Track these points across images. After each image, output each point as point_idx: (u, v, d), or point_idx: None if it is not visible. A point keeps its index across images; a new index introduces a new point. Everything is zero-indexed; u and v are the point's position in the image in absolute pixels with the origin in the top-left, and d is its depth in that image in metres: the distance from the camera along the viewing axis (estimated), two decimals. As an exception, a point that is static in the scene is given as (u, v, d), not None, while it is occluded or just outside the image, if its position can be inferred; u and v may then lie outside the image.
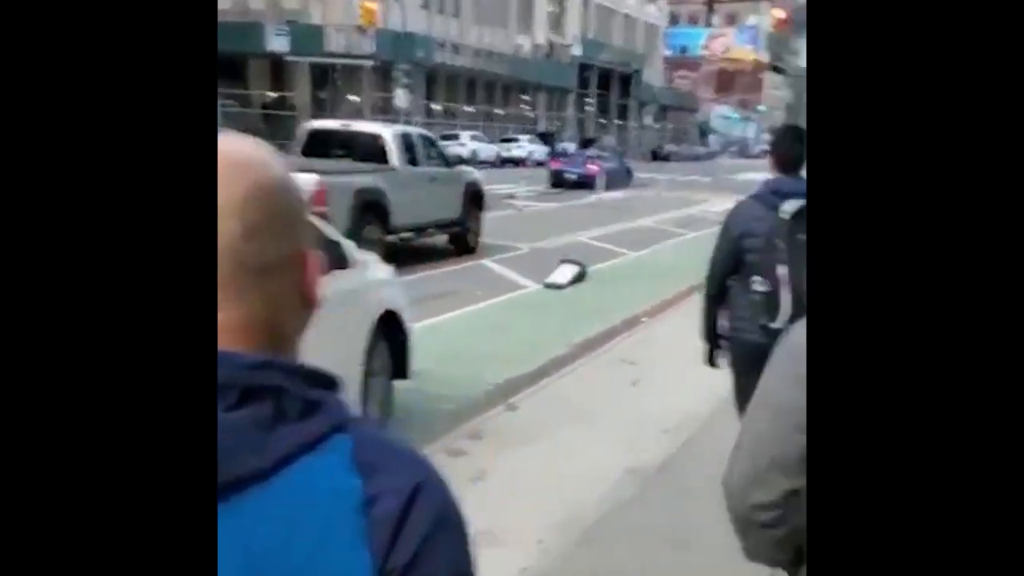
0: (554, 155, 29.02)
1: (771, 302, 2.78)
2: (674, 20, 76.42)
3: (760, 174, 18.17)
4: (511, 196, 17.89)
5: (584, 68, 46.65)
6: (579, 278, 8.48)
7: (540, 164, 36.73)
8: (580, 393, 4.89)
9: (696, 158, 53.24)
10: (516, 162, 35.73)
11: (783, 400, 1.04)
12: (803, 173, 2.96)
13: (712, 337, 3.13)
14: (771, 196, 2.88)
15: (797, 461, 1.02)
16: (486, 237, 11.36)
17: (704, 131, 70.80)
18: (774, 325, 2.77)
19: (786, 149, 2.99)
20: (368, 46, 30.64)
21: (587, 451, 3.92)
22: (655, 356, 5.57)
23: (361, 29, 27.74)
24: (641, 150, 52.28)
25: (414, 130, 10.67)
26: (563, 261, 8.71)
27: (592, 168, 23.43)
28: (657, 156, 50.51)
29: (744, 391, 3.10)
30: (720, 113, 75.84)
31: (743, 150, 69.43)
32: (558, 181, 23.03)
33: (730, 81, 76.50)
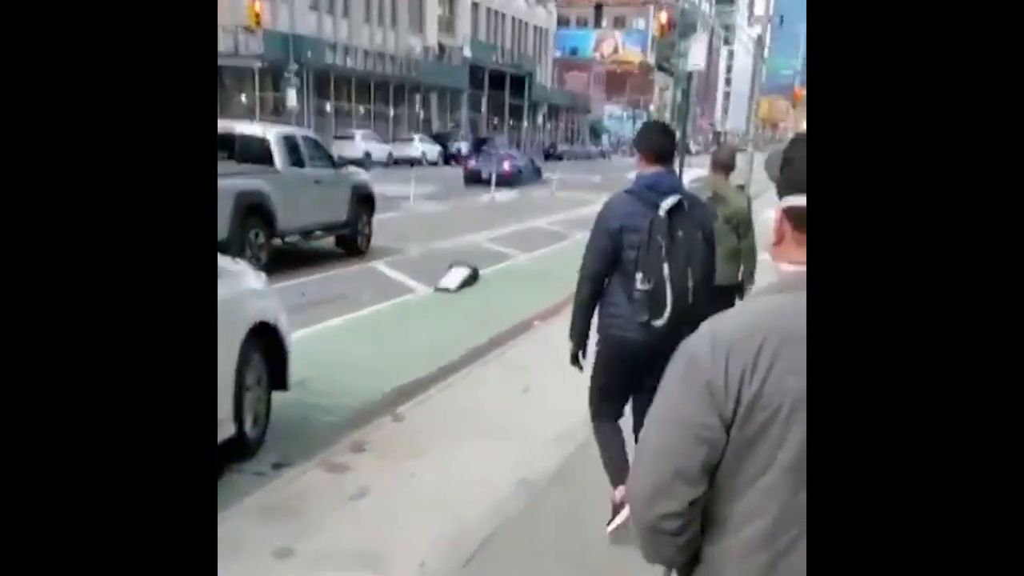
0: (470, 154, 30.61)
1: (655, 300, 2.73)
2: (564, 23, 77.54)
3: (648, 174, 18.32)
4: (404, 197, 17.56)
5: (476, 70, 46.71)
6: (470, 281, 8.36)
7: (434, 164, 36.57)
8: (470, 401, 4.76)
9: (588, 157, 54.33)
10: (410, 162, 35.34)
11: (685, 413, 1.04)
12: (674, 167, 2.98)
13: (584, 337, 3.06)
14: (648, 192, 2.83)
15: (700, 471, 1.05)
16: (377, 239, 11.09)
17: (596, 131, 72.21)
18: (658, 323, 2.74)
19: (655, 144, 2.94)
20: (256, 46, 29.76)
21: (476, 463, 3.80)
22: (546, 361, 5.49)
23: (249, 29, 26.82)
24: (534, 150, 52.84)
25: (298, 131, 10.27)
26: (454, 264, 8.57)
27: (507, 166, 24.83)
28: (550, 156, 51.07)
29: (610, 390, 3.09)
30: (611, 113, 77.52)
31: (633, 149, 71.08)
32: (475, 178, 23.85)
33: (620, 82, 78.27)
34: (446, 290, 8.13)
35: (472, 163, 25.95)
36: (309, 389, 4.78)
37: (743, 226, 4.53)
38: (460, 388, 5.02)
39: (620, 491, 3.16)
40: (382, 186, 19.08)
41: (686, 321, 2.85)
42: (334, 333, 6.36)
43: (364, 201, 10.54)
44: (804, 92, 36.57)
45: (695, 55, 11.52)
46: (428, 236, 12.08)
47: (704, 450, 1.02)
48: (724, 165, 4.74)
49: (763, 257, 3.15)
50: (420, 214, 15.81)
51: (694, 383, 1.03)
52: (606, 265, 2.87)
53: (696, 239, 2.81)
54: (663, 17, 21.80)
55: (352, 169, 10.86)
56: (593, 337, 3.09)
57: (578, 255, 3.03)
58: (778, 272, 1.13)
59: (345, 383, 5.01)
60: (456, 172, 29.57)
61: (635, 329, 2.80)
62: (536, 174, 27.92)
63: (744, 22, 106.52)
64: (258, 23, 24.33)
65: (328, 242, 10.34)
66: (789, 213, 1.10)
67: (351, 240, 10.33)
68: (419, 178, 25.11)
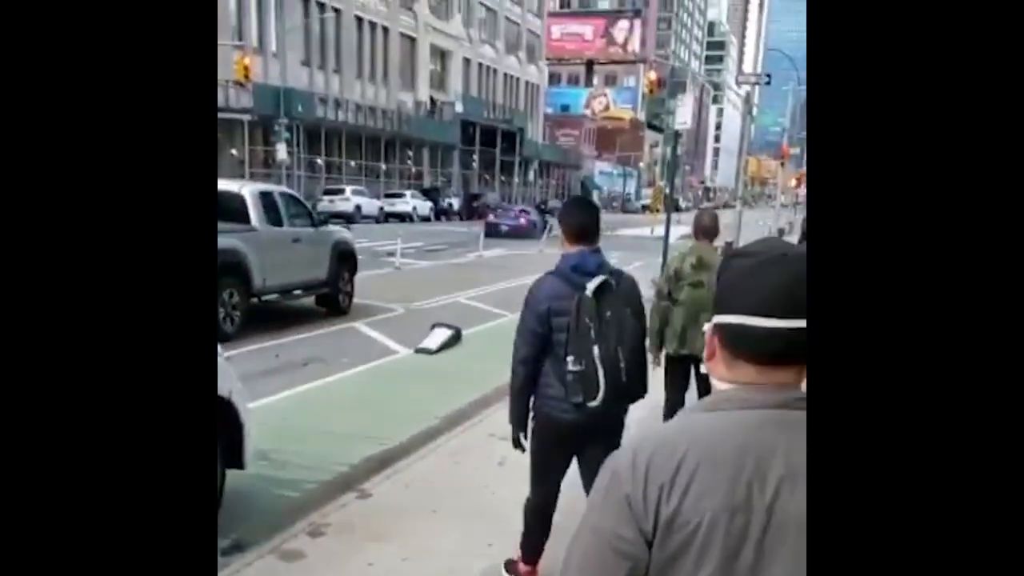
0: (487, 209, 34.34)
1: (588, 381, 2.71)
2: (555, 80, 79.00)
3: (636, 229, 18.74)
4: (392, 253, 17.46)
5: (467, 125, 47.24)
6: (452, 342, 8.15)
7: (425, 219, 36.60)
8: (442, 475, 4.51)
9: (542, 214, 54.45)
10: (401, 217, 35.40)
11: (606, 527, 1.04)
12: (599, 245, 2.93)
13: (523, 421, 2.99)
14: (573, 273, 2.80)
15: None
16: (361, 297, 10.90)
17: (587, 187, 72.89)
18: (592, 404, 2.72)
19: (578, 223, 2.89)
20: (246, 100, 30.03)
21: (443, 548, 3.54)
22: (525, 428, 5.28)
23: (239, 83, 27.13)
24: (526, 205, 53.02)
25: (276, 188, 10.14)
26: (436, 325, 8.36)
27: (523, 221, 27.76)
28: (542, 211, 51.21)
29: (546, 468, 3.05)
30: (602, 169, 78.40)
31: (624, 204, 72.02)
32: (494, 232, 26.20)
33: (611, 139, 79.43)
34: (427, 351, 7.90)
35: (492, 217, 28.94)
36: (273, 461, 4.52)
37: None
38: (433, 460, 4.77)
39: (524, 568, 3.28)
40: (370, 242, 19.02)
41: (621, 400, 2.88)
42: (306, 399, 6.12)
43: (345, 259, 10.36)
44: (791, 149, 37.08)
45: (682, 114, 11.57)
46: (413, 294, 11.91)
47: (626, 566, 1.02)
48: (707, 231, 4.61)
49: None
50: (406, 272, 15.64)
51: (615, 497, 1.03)
52: (537, 348, 2.84)
53: (625, 317, 2.81)
54: (652, 75, 22.08)
55: (333, 227, 10.73)
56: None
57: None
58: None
59: (313, 454, 4.75)
60: (445, 228, 29.68)
61: (570, 410, 2.78)
62: (545, 228, 30.32)
63: (732, 81, 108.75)
64: (247, 77, 24.55)
65: (308, 301, 10.14)
66: (720, 331, 1.09)
67: (332, 299, 10.12)
68: (409, 234, 25.13)
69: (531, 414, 2.99)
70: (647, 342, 4.78)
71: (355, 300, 10.72)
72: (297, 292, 9.56)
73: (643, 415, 5.60)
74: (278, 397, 5.99)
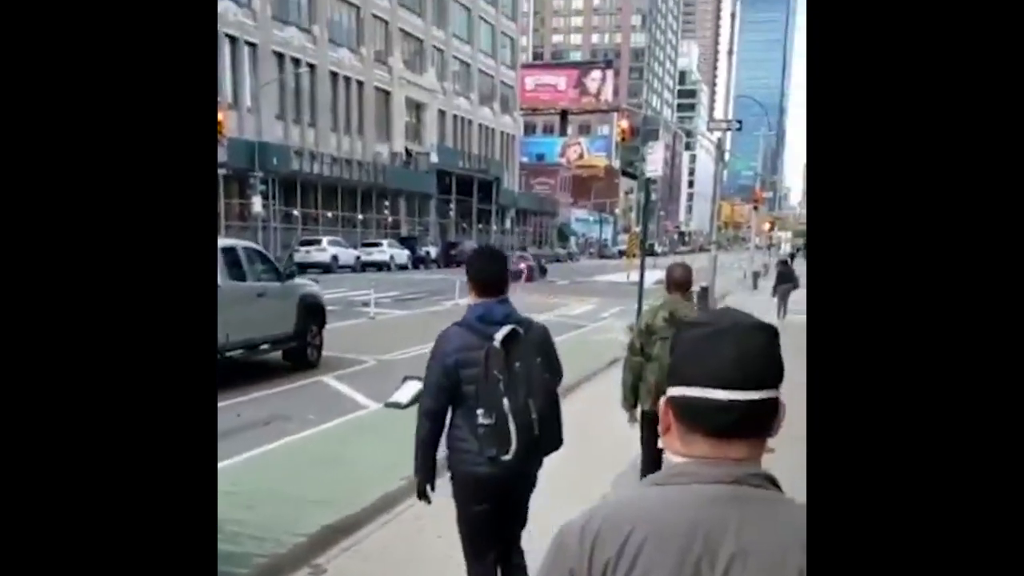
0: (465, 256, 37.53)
1: (500, 434, 2.63)
2: (531, 130, 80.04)
3: (613, 275, 18.67)
4: (366, 303, 17.22)
5: (443, 175, 47.52)
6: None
7: (403, 267, 36.49)
8: (404, 545, 4.24)
9: (557, 260, 55.15)
10: (379, 266, 35.28)
11: None
12: (506, 294, 2.87)
13: (430, 472, 2.90)
14: (480, 324, 2.75)
15: None
16: (331, 349, 10.63)
17: (564, 234, 73.39)
18: (506, 458, 2.64)
19: (483, 273, 2.85)
20: (221, 155, 30.04)
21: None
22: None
23: (213, 138, 27.18)
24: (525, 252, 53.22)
25: (240, 243, 9.93)
26: (406, 377, 8.05)
27: (524, 267, 29.21)
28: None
29: (471, 522, 2.94)
30: (578, 216, 79.04)
31: (601, 250, 72.57)
32: None
33: (586, 186, 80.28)
34: (396, 406, 7.58)
35: None
36: (224, 532, 4.20)
37: None
38: (395, 527, 4.49)
39: None
40: (346, 291, 18.82)
41: (535, 453, 2.81)
42: (265, 461, 5.82)
43: (313, 312, 10.12)
44: (763, 193, 37.53)
45: (653, 162, 11.59)
46: (386, 345, 11.64)
47: None
48: (680, 284, 4.45)
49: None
50: (381, 321, 15.39)
51: (560, 568, 1.03)
52: (444, 401, 2.78)
53: (535, 368, 2.74)
54: (624, 124, 22.26)
55: (300, 280, 10.51)
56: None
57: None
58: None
59: (267, 523, 4.45)
60: (423, 276, 29.57)
61: (485, 463, 2.69)
62: (543, 272, 33.22)
63: (704, 127, 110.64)
64: (221, 132, 24.54)
65: (277, 355, 9.85)
66: (673, 403, 1.07)
67: (299, 353, 9.85)
68: (385, 283, 24.95)
69: (449, 473, 2.91)
70: (622, 398, 4.60)
71: (325, 352, 10.45)
72: (264, 347, 9.29)
73: (623, 470, 5.42)
74: (236, 460, 5.69)
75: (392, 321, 15.66)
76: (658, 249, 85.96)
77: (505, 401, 2.63)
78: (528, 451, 2.69)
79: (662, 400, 1.09)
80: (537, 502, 3.06)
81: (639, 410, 4.46)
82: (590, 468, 5.64)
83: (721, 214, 59.33)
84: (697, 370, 1.02)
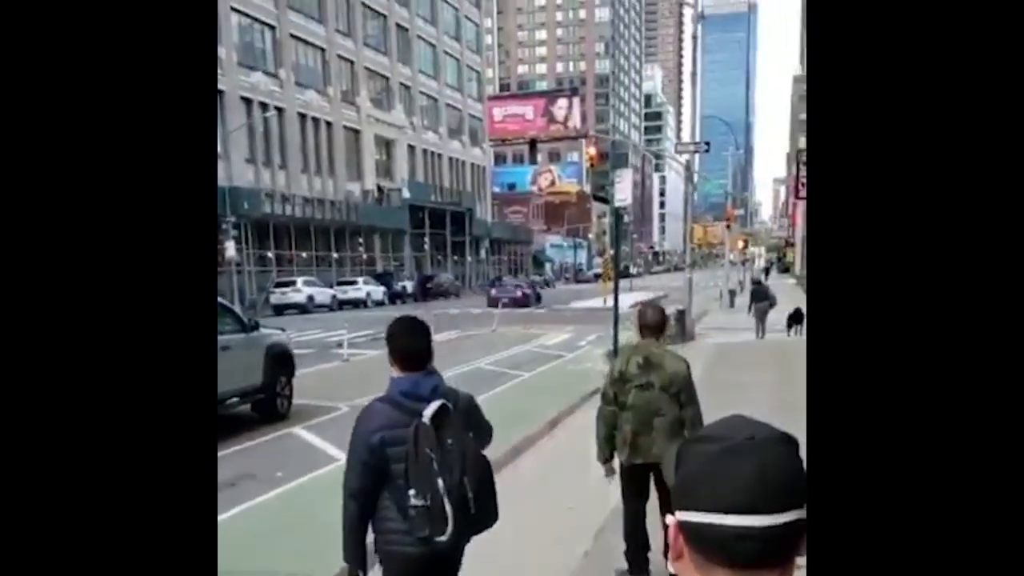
0: (491, 284, 40.53)
1: (435, 515, 2.47)
2: (501, 160, 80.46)
3: (590, 301, 18.43)
4: (340, 344, 16.94)
5: (416, 209, 47.47)
6: (396, 443, 7.64)
7: (380, 303, 36.20)
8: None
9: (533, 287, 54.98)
10: (356, 303, 34.98)
11: None
12: (432, 366, 2.69)
13: (360, 558, 2.66)
14: (407, 400, 2.56)
15: None
16: (303, 396, 10.33)
17: (539, 260, 73.51)
18: (441, 539, 2.49)
19: (405, 347, 2.65)
20: (190, 201, 29.84)
21: None
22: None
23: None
24: (480, 283, 53.22)
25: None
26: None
27: (520, 293, 33.34)
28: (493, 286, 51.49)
29: None
30: (552, 242, 79.27)
31: (577, 274, 72.79)
32: (494, 303, 29.76)
33: (559, 212, 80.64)
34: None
35: (494, 292, 33.77)
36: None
37: (684, 393, 3.95)
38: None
39: None
40: (323, 332, 18.45)
41: (470, 532, 2.68)
42: (227, 529, 5.51)
43: (281, 362, 9.86)
44: (735, 211, 37.79)
45: (622, 191, 11.51)
46: (360, 388, 11.32)
47: None
48: (652, 328, 4.14)
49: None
50: (355, 363, 15.08)
51: None
52: (371, 481, 2.60)
53: (468, 443, 2.60)
54: (592, 151, 22.33)
55: (267, 330, 10.26)
56: None
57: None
58: None
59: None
60: (400, 311, 29.27)
61: (416, 544, 2.55)
62: (538, 299, 35.69)
63: (672, 148, 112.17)
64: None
65: (245, 408, 9.56)
66: (684, 530, 0.92)
67: (268, 405, 9.56)
68: (361, 321, 24.59)
69: (377, 557, 2.73)
70: (597, 450, 4.34)
71: (297, 400, 10.15)
72: (231, 401, 9.00)
73: (605, 525, 5.18)
74: (199, 528, 5.42)
75: (366, 362, 15.32)
76: (633, 270, 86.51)
77: (439, 481, 2.47)
78: (463, 530, 2.57)
79: (670, 522, 0.94)
80: (509, 548, 2.88)
81: (616, 462, 4.20)
82: (569, 523, 5.43)
83: (694, 235, 59.73)
84: (710, 493, 0.88)
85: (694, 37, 21.18)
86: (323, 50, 42.27)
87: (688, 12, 24.04)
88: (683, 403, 3.90)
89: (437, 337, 12.88)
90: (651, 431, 3.93)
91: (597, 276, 60.13)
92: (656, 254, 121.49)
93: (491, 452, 6.93)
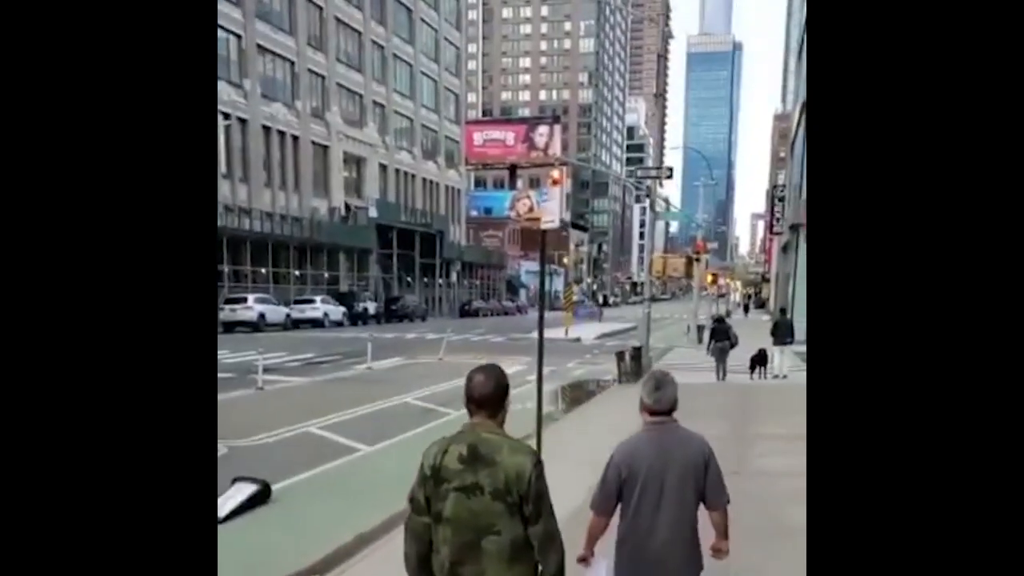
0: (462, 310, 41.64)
1: None
2: (482, 184, 79.54)
3: (553, 331, 16.82)
4: (273, 367, 15.52)
5: (384, 229, 46.17)
6: (255, 502, 6.30)
7: (338, 324, 34.62)
8: None
9: (505, 313, 53.77)
10: (313, 323, 33.47)
11: None
12: None
13: None
14: None
15: None
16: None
17: (514, 286, 72.31)
18: None
19: None
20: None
21: None
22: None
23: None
24: (449, 306, 51.77)
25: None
26: (237, 479, 6.51)
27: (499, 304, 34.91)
28: (466, 312, 50.12)
29: None
30: (528, 268, 78.17)
31: (551, 302, 71.69)
32: (465, 313, 33.05)
33: (535, 238, 79.54)
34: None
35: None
36: None
37: (530, 502, 2.47)
38: None
39: None
40: (250, 356, 16.57)
41: None
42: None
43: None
44: (707, 244, 36.73)
45: (551, 210, 10.29)
46: (257, 424, 9.98)
47: None
48: (482, 402, 2.56)
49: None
50: (269, 393, 13.48)
51: None
52: None
53: None
54: (556, 173, 21.17)
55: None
56: None
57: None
58: None
59: None
60: (355, 334, 27.90)
61: None
62: (522, 311, 37.77)
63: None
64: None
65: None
66: None
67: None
68: (306, 343, 23.07)
69: None
70: None
71: (178, 439, 8.77)
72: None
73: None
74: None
75: (283, 392, 13.86)
76: (610, 300, 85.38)
77: None
78: None
79: None
80: None
81: None
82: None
83: (667, 267, 58.57)
84: None
85: (673, 72, 20.16)
86: (292, 63, 41.14)
87: (674, 46, 23.11)
88: (528, 517, 2.47)
89: (374, 366, 11.30)
90: (479, 557, 2.49)
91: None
92: (633, 284, 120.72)
93: (382, 514, 5.53)
